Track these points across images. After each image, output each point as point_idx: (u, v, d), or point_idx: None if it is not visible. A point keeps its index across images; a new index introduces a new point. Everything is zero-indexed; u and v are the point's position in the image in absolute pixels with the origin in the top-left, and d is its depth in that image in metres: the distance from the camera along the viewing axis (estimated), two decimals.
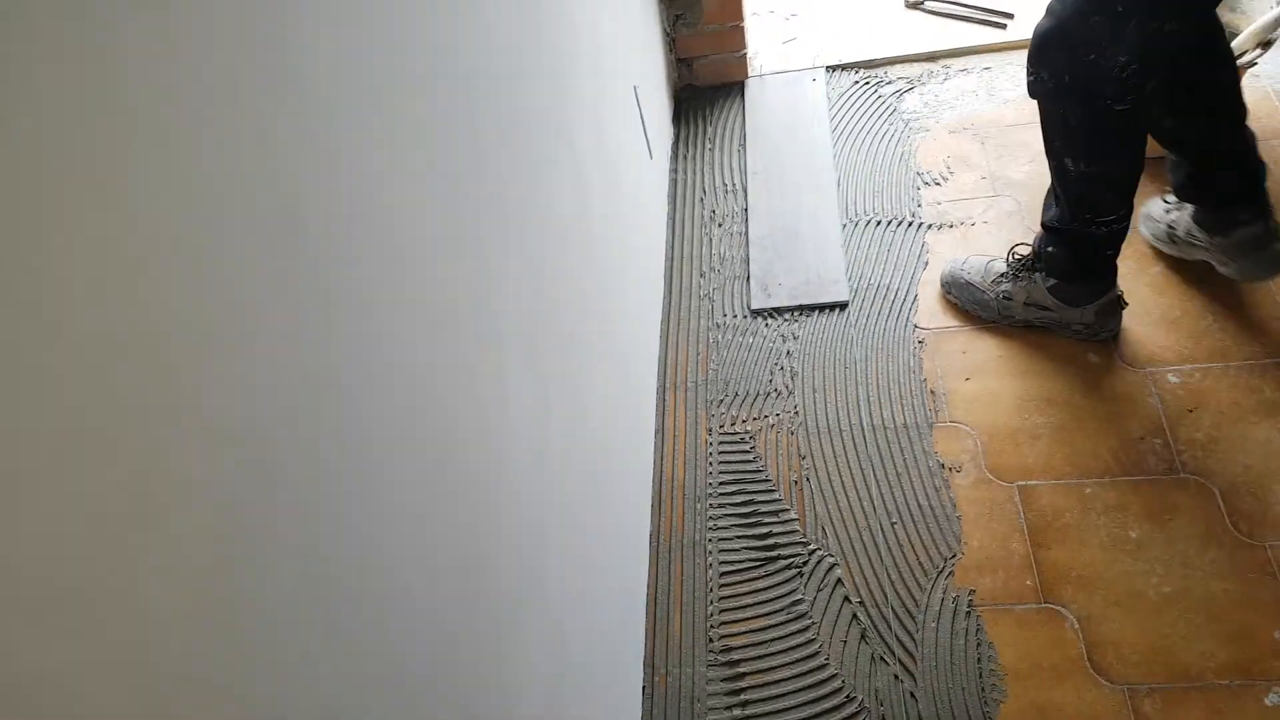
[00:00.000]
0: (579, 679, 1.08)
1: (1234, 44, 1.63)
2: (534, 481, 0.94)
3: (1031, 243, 1.57)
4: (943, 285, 1.69)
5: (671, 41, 2.12)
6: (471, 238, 0.81)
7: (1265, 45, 1.59)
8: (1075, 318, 1.54)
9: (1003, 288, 1.59)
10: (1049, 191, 1.49)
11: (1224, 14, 1.73)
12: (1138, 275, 1.63)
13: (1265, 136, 1.74)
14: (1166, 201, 1.63)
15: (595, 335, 1.24)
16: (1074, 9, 1.24)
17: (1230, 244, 1.49)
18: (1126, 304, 1.54)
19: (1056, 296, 1.53)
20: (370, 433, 0.60)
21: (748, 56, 2.21)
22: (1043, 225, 1.52)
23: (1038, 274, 1.54)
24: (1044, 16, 1.30)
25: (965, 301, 1.65)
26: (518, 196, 0.93)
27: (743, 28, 2.09)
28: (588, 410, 1.18)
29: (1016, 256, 1.59)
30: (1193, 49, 1.35)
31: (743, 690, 1.32)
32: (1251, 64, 1.58)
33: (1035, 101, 1.39)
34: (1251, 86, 1.83)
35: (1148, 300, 1.59)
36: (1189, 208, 1.55)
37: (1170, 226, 1.61)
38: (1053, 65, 1.30)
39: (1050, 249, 1.51)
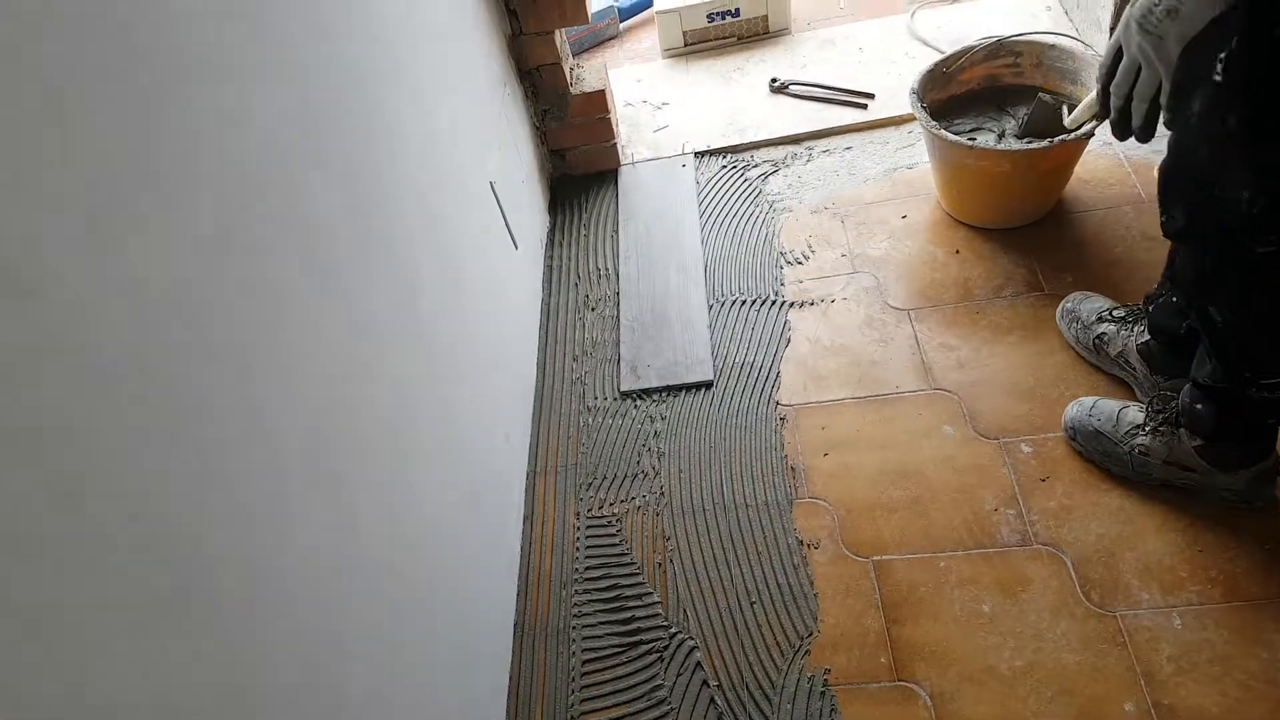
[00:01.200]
0: None
1: (1071, 116, 1.72)
2: (333, 593, 0.91)
3: (1178, 394, 1.37)
4: (1067, 431, 1.50)
5: (542, 135, 2.16)
6: (252, 343, 0.79)
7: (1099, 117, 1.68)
8: (1224, 483, 1.35)
9: (1139, 441, 1.40)
10: (1201, 345, 1.28)
11: (1065, 85, 1.83)
12: (991, 344, 1.67)
13: (1117, 203, 1.84)
14: (1113, 317, 1.53)
15: (429, 433, 1.22)
16: (1183, 140, 1.12)
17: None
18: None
19: (1204, 458, 1.33)
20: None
21: (620, 145, 2.27)
22: (1193, 381, 1.30)
23: (1182, 430, 1.35)
24: (1166, 154, 1.17)
25: (1092, 452, 1.46)
26: (302, 301, 0.92)
27: (610, 120, 2.14)
28: (416, 512, 1.15)
29: (1157, 408, 1.39)
30: None
31: None
32: (1090, 134, 1.66)
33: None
34: (1102, 154, 1.93)
35: (1000, 371, 1.64)
36: (1135, 337, 1.47)
37: (1101, 339, 1.54)
38: (1180, 202, 1.15)
39: (1198, 406, 1.30)
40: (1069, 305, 1.64)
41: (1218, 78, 0.96)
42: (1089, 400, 1.50)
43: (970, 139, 1.78)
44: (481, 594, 1.37)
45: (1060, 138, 1.66)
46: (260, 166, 0.86)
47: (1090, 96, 1.66)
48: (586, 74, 2.14)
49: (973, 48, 1.90)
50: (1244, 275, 1.12)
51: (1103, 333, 1.55)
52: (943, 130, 1.74)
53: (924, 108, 1.80)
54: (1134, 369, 1.51)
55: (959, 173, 1.83)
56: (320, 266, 0.96)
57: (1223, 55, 0.94)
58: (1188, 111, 1.04)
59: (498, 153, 1.74)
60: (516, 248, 1.81)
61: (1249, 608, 1.29)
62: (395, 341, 1.14)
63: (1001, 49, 1.90)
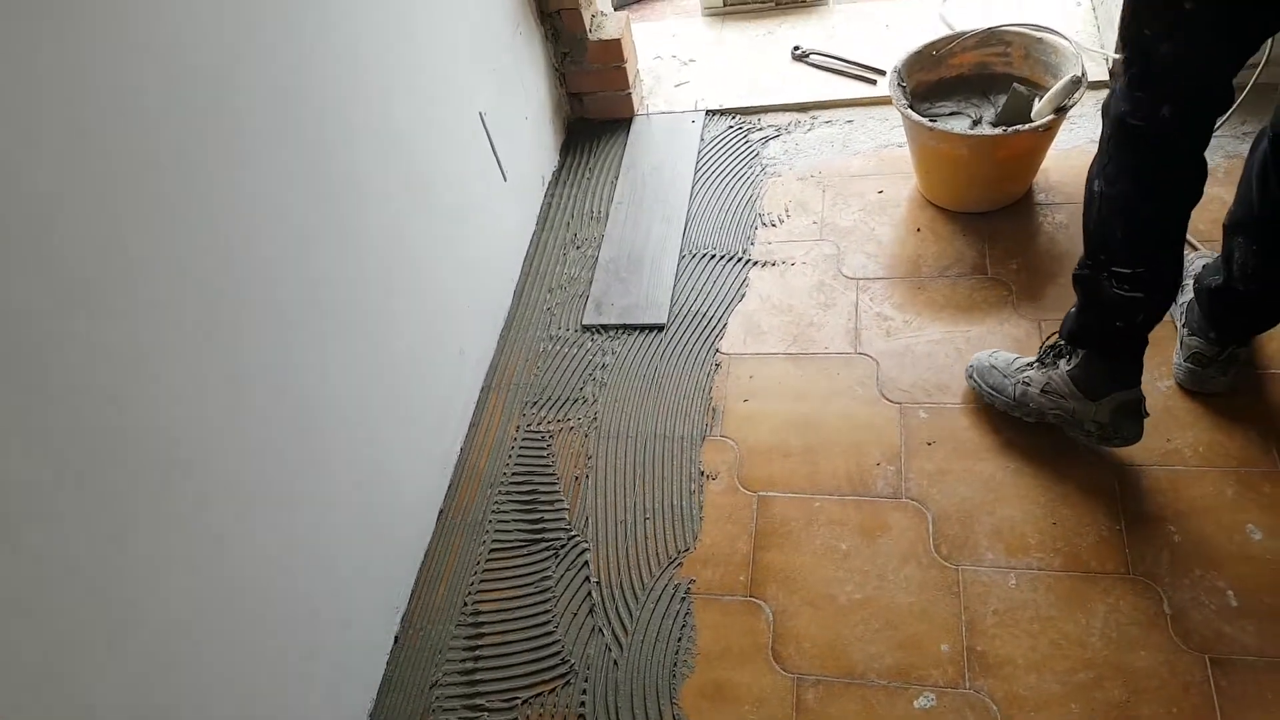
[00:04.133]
0: (339, 613, 1.29)
1: (1035, 110, 1.79)
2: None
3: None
4: (967, 370, 1.63)
5: (561, 76, 2.32)
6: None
7: (1060, 110, 1.74)
8: (1089, 414, 1.44)
9: (1025, 374, 1.52)
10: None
11: (1048, 79, 1.88)
12: (923, 318, 1.78)
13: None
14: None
15: (359, 335, 1.43)
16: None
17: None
18: (1148, 414, 1.43)
19: (1075, 383, 1.44)
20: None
21: (640, 95, 2.41)
22: (1072, 277, 1.41)
23: (1063, 360, 1.47)
24: None
25: (984, 386, 1.58)
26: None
27: (624, 68, 2.29)
28: (340, 403, 1.37)
29: (1048, 345, 1.52)
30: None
31: (479, 647, 1.49)
32: (1045, 127, 1.73)
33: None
34: (1085, 150, 1.97)
35: (924, 344, 1.74)
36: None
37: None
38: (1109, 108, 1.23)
39: (1072, 311, 1.43)
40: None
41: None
42: (983, 354, 1.62)
43: (938, 120, 1.86)
44: (411, 480, 1.60)
45: (1015, 127, 1.73)
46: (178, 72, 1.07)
47: (1054, 88, 1.74)
48: (607, 23, 2.28)
49: (964, 34, 1.96)
50: (1118, 147, 1.21)
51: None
52: (909, 110, 1.82)
53: (902, 86, 1.89)
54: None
55: (924, 153, 1.91)
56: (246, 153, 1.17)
57: None
58: None
59: (495, 86, 1.92)
60: (505, 179, 2.00)
61: (1082, 579, 1.39)
62: (327, 239, 1.34)
63: (992, 37, 1.96)
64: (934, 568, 1.45)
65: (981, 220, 1.93)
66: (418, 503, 1.63)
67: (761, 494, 1.59)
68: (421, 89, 1.61)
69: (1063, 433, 1.52)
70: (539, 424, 1.80)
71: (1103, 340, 1.40)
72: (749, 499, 1.59)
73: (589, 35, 2.23)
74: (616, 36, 2.23)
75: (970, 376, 1.63)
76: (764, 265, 1.98)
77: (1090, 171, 1.30)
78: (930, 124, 1.80)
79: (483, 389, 1.89)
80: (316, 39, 1.31)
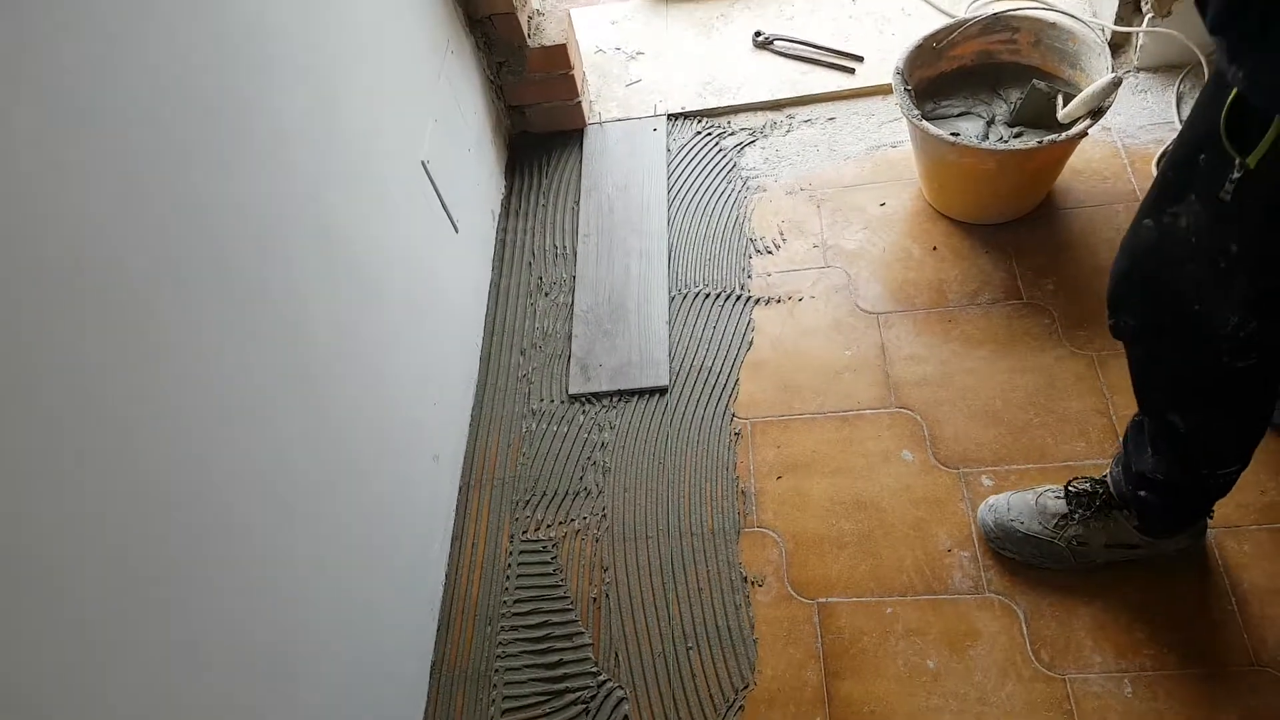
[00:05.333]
0: None
1: (1065, 110, 1.57)
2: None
3: (1105, 478, 1.28)
4: (991, 541, 1.36)
5: (498, 89, 1.98)
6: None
7: (1096, 114, 1.52)
8: (1169, 548, 1.28)
9: (1072, 532, 1.29)
10: (1140, 433, 1.15)
11: (1064, 69, 1.66)
12: (961, 358, 1.56)
13: (1110, 200, 1.69)
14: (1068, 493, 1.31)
15: (318, 486, 1.12)
16: (1155, 249, 0.95)
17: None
18: (1213, 514, 1.27)
19: (1147, 534, 1.25)
20: None
21: (587, 101, 2.09)
22: (1137, 473, 1.18)
23: (1118, 512, 1.26)
24: (1119, 254, 1.03)
25: (1028, 556, 1.33)
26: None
27: (573, 76, 1.96)
28: (303, 561, 1.06)
29: (1076, 492, 1.29)
30: None
31: None
32: (1083, 134, 1.51)
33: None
34: (1100, 141, 1.78)
35: (967, 390, 1.53)
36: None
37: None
38: (1141, 313, 1.02)
39: (1144, 494, 1.19)
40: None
41: (1225, 196, 0.80)
42: (999, 501, 1.36)
43: (954, 132, 1.62)
44: (393, 634, 1.30)
45: (1050, 138, 1.51)
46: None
47: (1088, 91, 1.51)
48: (547, 24, 1.95)
49: (966, 21, 1.72)
50: (1216, 387, 0.99)
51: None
52: (925, 123, 1.58)
53: (908, 91, 1.64)
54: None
55: (941, 166, 1.68)
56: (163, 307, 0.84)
57: (1235, 176, 0.78)
58: (1176, 218, 0.89)
59: (434, 125, 1.59)
60: (457, 231, 1.68)
61: (1205, 678, 1.22)
62: (277, 394, 1.03)
63: (997, 23, 1.72)
64: (1038, 680, 1.25)
65: (1002, 233, 1.71)
66: (404, 656, 1.35)
67: (822, 601, 1.37)
68: (358, 170, 1.28)
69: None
70: (537, 530, 1.53)
71: (1197, 513, 1.22)
72: (808, 609, 1.36)
73: (528, 42, 1.89)
74: (560, 41, 1.90)
75: (1002, 549, 1.34)
76: (768, 303, 1.72)
77: (1150, 401, 1.10)
78: (953, 139, 1.55)
79: (461, 488, 1.59)
80: (235, 146, 0.97)
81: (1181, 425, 1.05)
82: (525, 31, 1.89)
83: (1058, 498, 1.31)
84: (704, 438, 1.57)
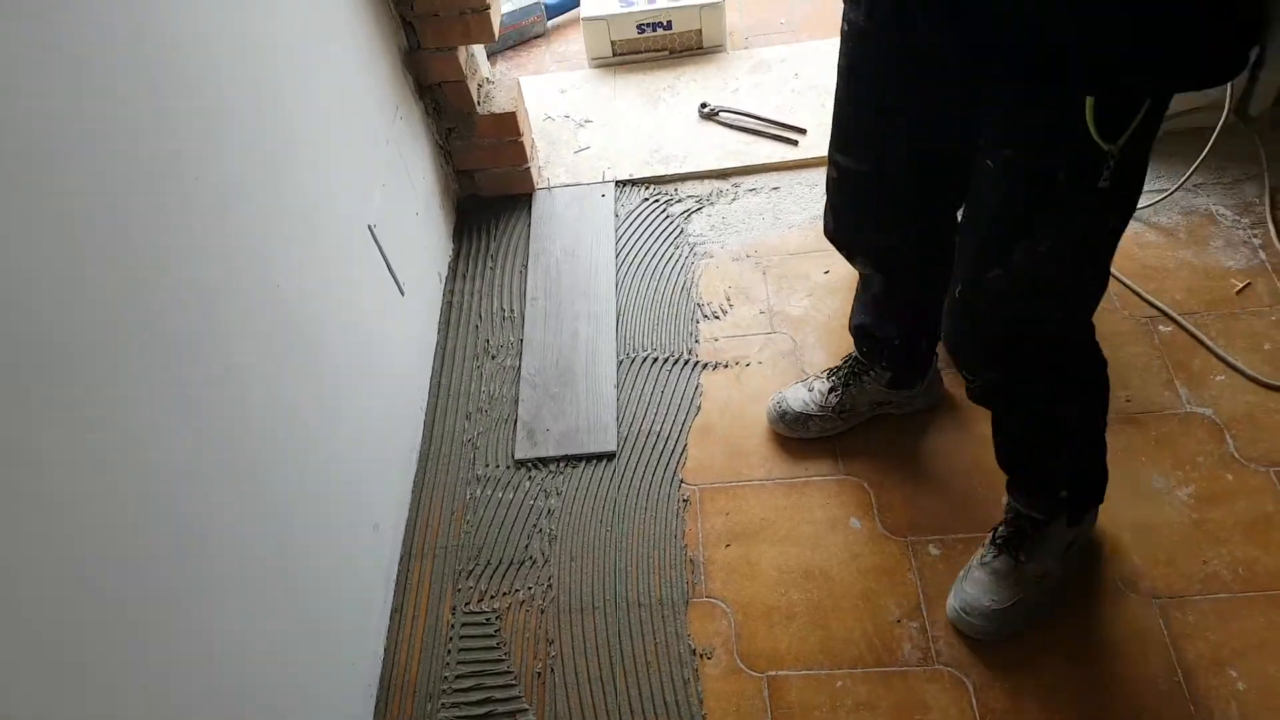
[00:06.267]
0: None
1: None
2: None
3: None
4: (962, 625, 1.33)
5: (447, 154, 1.98)
6: None
7: None
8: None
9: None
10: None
11: None
12: (904, 424, 1.57)
13: None
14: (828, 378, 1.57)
15: (250, 563, 1.07)
16: (1009, 294, 1.06)
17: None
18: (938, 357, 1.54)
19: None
20: None
21: (536, 166, 2.10)
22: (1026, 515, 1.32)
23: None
24: (958, 318, 1.14)
25: (1017, 624, 1.32)
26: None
27: (522, 143, 1.98)
28: (235, 652, 1.01)
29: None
30: None
31: None
32: None
33: (818, 229, 1.52)
34: None
35: (914, 457, 1.54)
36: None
37: (841, 407, 1.55)
38: (1001, 355, 1.16)
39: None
40: (783, 426, 1.58)
41: (1105, 184, 0.90)
42: (956, 599, 1.33)
43: None
44: (328, 716, 1.24)
45: None
46: None
47: None
48: (497, 92, 1.96)
49: None
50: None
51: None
52: None
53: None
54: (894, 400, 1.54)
55: None
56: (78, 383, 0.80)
57: (1111, 164, 0.89)
58: (1033, 247, 0.99)
59: (382, 189, 1.57)
60: (403, 294, 1.65)
61: None
62: (211, 464, 0.99)
63: None
64: None
65: None
66: None
67: (771, 674, 1.34)
68: (304, 233, 1.26)
69: (1093, 562, 1.36)
70: (480, 600, 1.48)
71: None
72: (757, 683, 1.33)
73: (477, 109, 1.90)
74: (510, 110, 1.91)
75: (982, 635, 1.32)
76: (715, 368, 1.73)
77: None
78: None
79: (402, 558, 1.54)
80: (178, 208, 0.95)
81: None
82: (475, 99, 1.90)
83: (996, 556, 1.33)
84: (652, 504, 1.55)
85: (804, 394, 1.56)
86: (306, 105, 1.31)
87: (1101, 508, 1.35)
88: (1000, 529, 1.34)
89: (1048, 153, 0.92)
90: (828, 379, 1.56)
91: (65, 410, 0.77)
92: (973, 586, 1.32)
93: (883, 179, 1.17)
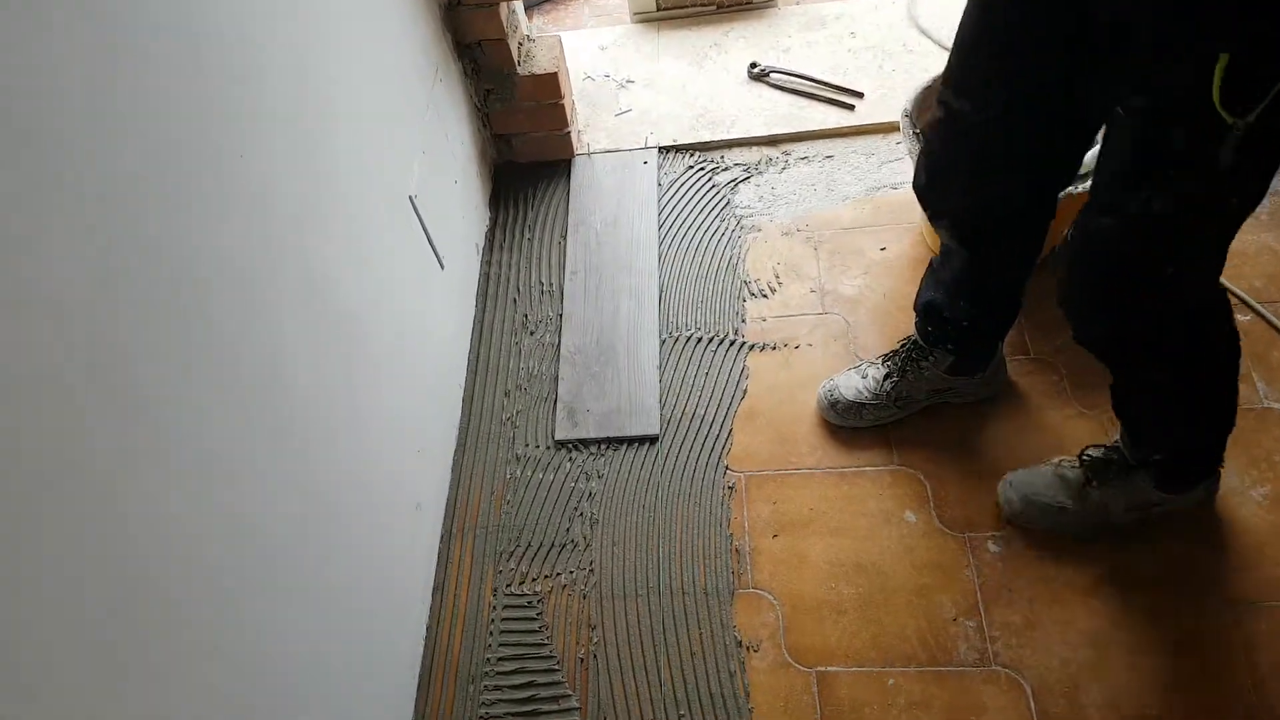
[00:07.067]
0: None
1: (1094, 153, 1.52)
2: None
3: (1117, 444, 1.32)
4: (1013, 517, 1.37)
5: (484, 118, 1.91)
6: None
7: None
8: (1186, 503, 1.32)
9: (1095, 498, 1.31)
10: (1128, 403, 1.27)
11: None
12: (964, 416, 1.51)
13: None
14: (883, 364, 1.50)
15: (300, 564, 1.04)
16: (1119, 238, 1.02)
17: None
18: (1224, 463, 1.32)
19: (1165, 490, 1.28)
20: None
21: (575, 130, 2.03)
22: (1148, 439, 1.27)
23: (1135, 474, 1.29)
24: (1075, 264, 1.10)
25: (1051, 525, 1.35)
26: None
27: (563, 106, 1.90)
28: (282, 649, 0.98)
29: (1092, 460, 1.32)
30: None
31: None
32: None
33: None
34: None
35: (973, 450, 1.48)
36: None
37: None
38: (1117, 307, 1.10)
39: (1158, 457, 1.27)
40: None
41: (1225, 157, 0.85)
42: (1018, 477, 1.38)
43: None
44: (371, 692, 1.22)
45: (1064, 192, 1.47)
46: None
47: None
48: (538, 51, 1.89)
49: None
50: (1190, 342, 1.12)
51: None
52: None
53: (917, 134, 1.59)
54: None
55: None
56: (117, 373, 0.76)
57: (1235, 136, 0.83)
58: (1148, 203, 0.93)
59: (422, 157, 1.51)
60: (443, 267, 1.60)
61: None
62: (256, 446, 0.95)
63: None
64: None
65: None
66: (382, 718, 1.26)
67: (820, 670, 1.30)
68: (344, 210, 1.20)
69: (1161, 560, 1.31)
70: (521, 582, 1.45)
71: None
72: (806, 679, 1.30)
73: (518, 69, 1.83)
74: (551, 70, 1.83)
75: (1030, 522, 1.37)
76: (763, 349, 1.66)
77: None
78: None
79: (443, 537, 1.51)
80: (220, 194, 0.89)
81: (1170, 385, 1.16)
82: (515, 58, 1.82)
83: (1075, 468, 1.34)
84: (696, 491, 1.51)
85: (857, 381, 1.50)
86: (348, 72, 1.25)
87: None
88: (1092, 448, 1.34)
89: (1173, 111, 0.87)
90: (883, 364, 1.49)
91: (116, 394, 0.73)
92: (1035, 475, 1.37)
93: (1000, 126, 1.08)
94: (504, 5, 1.74)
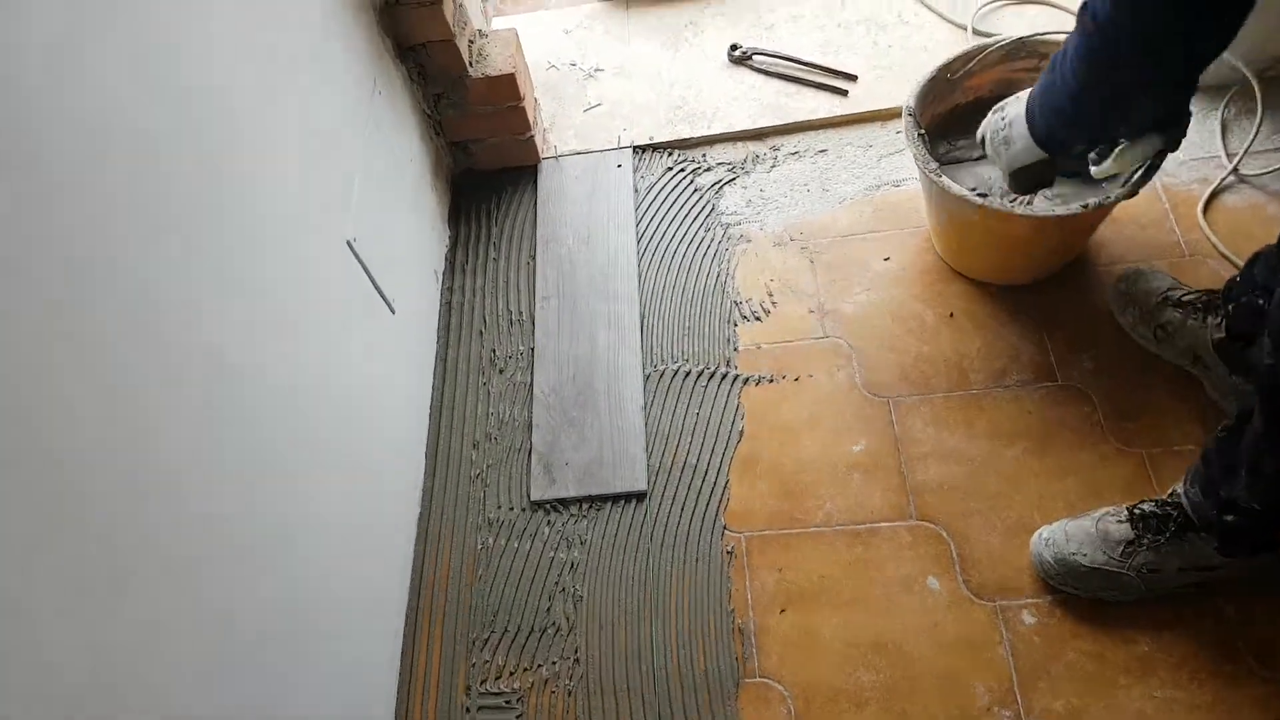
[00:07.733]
0: None
1: (1100, 168, 1.31)
2: None
3: (1177, 498, 1.15)
4: (1050, 578, 1.22)
5: (437, 124, 1.70)
6: None
7: (1153, 169, 1.28)
8: (1250, 565, 1.14)
9: (1141, 559, 1.15)
10: (1228, 453, 1.04)
11: None
12: (990, 458, 1.34)
13: (1150, 253, 1.48)
14: (1179, 302, 1.33)
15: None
16: None
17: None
18: None
19: (1227, 554, 1.12)
20: None
21: (540, 132, 1.81)
22: (1226, 499, 1.06)
23: (1194, 534, 1.12)
24: None
25: (1093, 590, 1.19)
26: None
27: (523, 108, 1.68)
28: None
29: (1144, 514, 1.16)
30: None
31: None
32: (1132, 193, 1.27)
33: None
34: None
35: (1001, 499, 1.31)
36: (1210, 330, 1.29)
37: (1165, 328, 1.33)
38: None
39: (1230, 519, 1.06)
40: (1122, 288, 1.40)
41: None
42: (1053, 532, 1.22)
43: (981, 191, 1.38)
44: None
45: (1095, 201, 1.28)
46: None
47: (1134, 147, 1.24)
48: (491, 49, 1.66)
49: (986, 47, 1.47)
50: None
51: (1167, 320, 1.33)
52: (946, 179, 1.34)
53: (922, 136, 1.39)
54: (1209, 366, 1.30)
55: (961, 225, 1.44)
56: None
57: None
58: None
59: (361, 184, 1.31)
60: (394, 311, 1.41)
61: None
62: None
63: (1022, 48, 1.47)
64: None
65: (1028, 296, 1.49)
66: None
67: None
68: (263, 280, 1.00)
69: (1210, 634, 1.15)
70: (498, 677, 1.28)
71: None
72: None
73: (469, 71, 1.61)
74: (508, 71, 1.61)
75: (1064, 585, 1.21)
76: (759, 382, 1.48)
77: None
78: (980, 200, 1.31)
79: (409, 613, 1.34)
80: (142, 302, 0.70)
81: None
82: (466, 59, 1.60)
83: (1121, 522, 1.18)
84: (691, 557, 1.34)
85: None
86: (258, 106, 1.04)
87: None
88: (1145, 503, 1.18)
89: None
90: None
91: None
92: (1075, 530, 1.21)
93: None
94: (448, 1, 1.51)
